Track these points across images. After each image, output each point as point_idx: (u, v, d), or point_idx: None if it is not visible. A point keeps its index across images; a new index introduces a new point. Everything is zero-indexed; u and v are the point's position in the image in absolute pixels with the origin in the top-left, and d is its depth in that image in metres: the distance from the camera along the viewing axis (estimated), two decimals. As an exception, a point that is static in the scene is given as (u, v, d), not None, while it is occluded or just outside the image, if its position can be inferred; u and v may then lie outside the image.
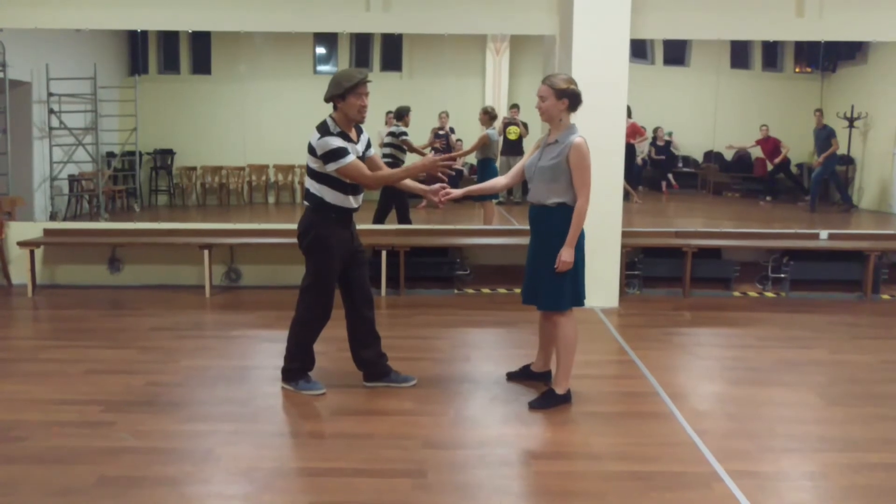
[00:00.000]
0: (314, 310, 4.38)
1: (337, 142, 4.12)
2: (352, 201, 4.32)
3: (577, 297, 4.22)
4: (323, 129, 4.18)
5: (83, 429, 3.87)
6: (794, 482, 3.44)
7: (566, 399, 4.27)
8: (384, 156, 8.22)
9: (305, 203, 4.34)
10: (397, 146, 8.57)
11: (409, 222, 8.29)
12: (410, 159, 8.87)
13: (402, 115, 8.70)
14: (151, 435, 3.81)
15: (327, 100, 4.24)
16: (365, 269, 4.53)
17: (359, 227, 4.54)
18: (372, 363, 4.55)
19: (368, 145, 4.46)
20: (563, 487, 3.33)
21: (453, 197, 4.40)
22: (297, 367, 4.47)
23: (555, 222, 4.11)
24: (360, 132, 4.39)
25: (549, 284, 4.16)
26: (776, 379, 4.81)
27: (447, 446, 3.73)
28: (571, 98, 4.08)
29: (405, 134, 8.63)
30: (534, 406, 4.22)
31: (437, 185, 4.38)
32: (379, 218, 8.19)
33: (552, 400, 4.24)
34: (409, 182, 4.46)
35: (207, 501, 3.20)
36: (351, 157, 4.14)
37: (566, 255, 4.07)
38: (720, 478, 3.40)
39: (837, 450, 3.74)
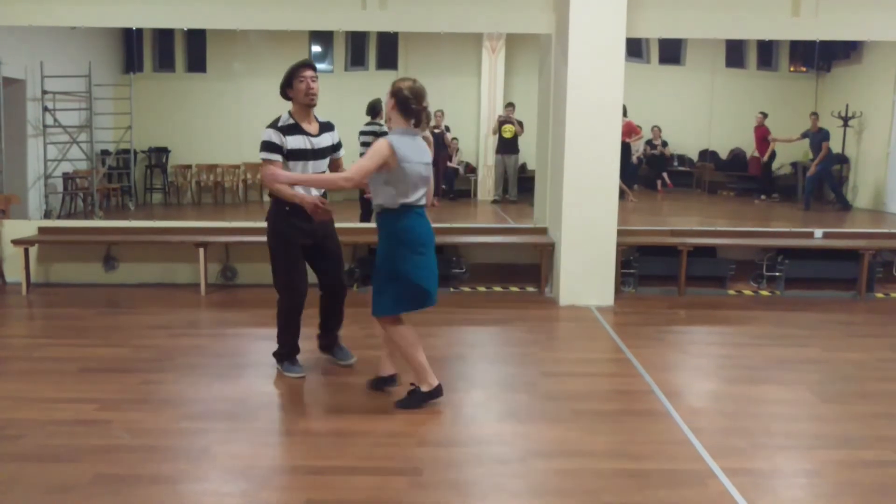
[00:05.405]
0: (282, 298, 4.60)
1: (270, 136, 4.31)
2: (309, 190, 4.38)
3: (401, 305, 4.09)
4: (272, 122, 4.39)
5: (79, 427, 3.87)
6: (788, 479, 3.46)
7: (436, 394, 4.17)
8: (363, 155, 7.99)
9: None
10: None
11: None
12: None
13: (376, 110, 7.93)
14: (147, 433, 3.80)
15: (281, 96, 4.47)
16: (333, 262, 4.67)
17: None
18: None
19: (338, 146, 4.57)
20: (559, 485, 3.34)
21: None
22: (285, 351, 4.71)
23: (380, 225, 4.11)
24: (327, 129, 4.50)
25: (374, 291, 4.12)
26: (771, 377, 4.83)
27: (443, 444, 3.74)
28: (398, 98, 3.98)
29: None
30: (400, 406, 4.16)
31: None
32: (366, 216, 8.03)
33: (419, 398, 4.16)
34: (288, 190, 4.32)
35: (203, 499, 3.19)
36: (271, 156, 4.30)
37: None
38: (715, 475, 3.41)
39: (832, 447, 3.76)
